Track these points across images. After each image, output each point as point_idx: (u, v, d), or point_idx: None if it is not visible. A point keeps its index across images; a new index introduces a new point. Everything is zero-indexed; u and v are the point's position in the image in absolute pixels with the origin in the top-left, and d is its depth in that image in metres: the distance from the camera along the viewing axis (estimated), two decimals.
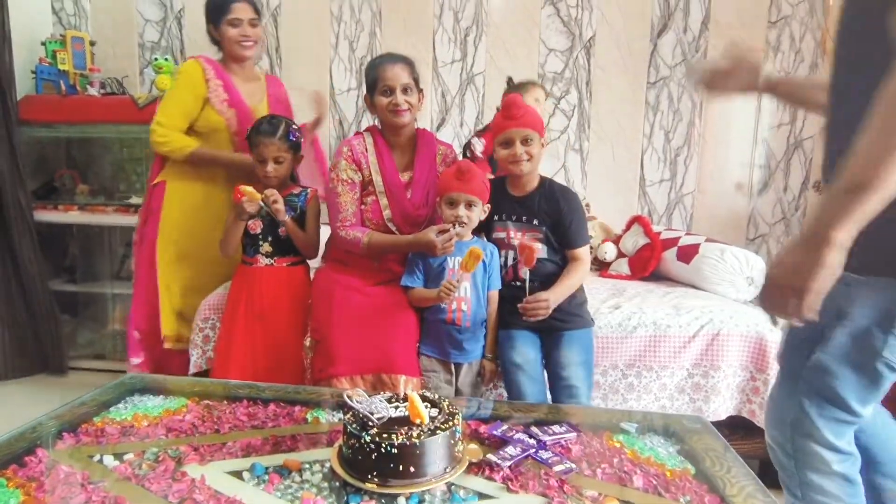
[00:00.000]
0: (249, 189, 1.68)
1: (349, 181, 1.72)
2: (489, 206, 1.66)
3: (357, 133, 1.84)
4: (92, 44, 2.83)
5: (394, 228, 1.73)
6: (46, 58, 2.72)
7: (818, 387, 1.02)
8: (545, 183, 1.70)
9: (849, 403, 1.00)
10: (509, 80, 2.42)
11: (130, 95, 2.67)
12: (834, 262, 0.80)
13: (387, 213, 1.73)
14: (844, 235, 0.79)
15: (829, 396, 1.01)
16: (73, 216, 2.68)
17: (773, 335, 1.73)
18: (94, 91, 2.69)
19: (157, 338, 2.00)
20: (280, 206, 1.73)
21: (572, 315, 1.66)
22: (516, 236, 1.66)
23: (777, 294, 0.86)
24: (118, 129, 2.68)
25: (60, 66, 2.70)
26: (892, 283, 0.92)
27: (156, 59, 2.67)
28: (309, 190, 1.87)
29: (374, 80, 1.70)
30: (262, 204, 1.71)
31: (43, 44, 2.74)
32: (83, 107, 2.64)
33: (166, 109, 1.95)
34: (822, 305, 0.84)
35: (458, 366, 1.63)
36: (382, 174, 1.74)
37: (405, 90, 1.69)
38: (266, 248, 1.80)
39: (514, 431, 1.09)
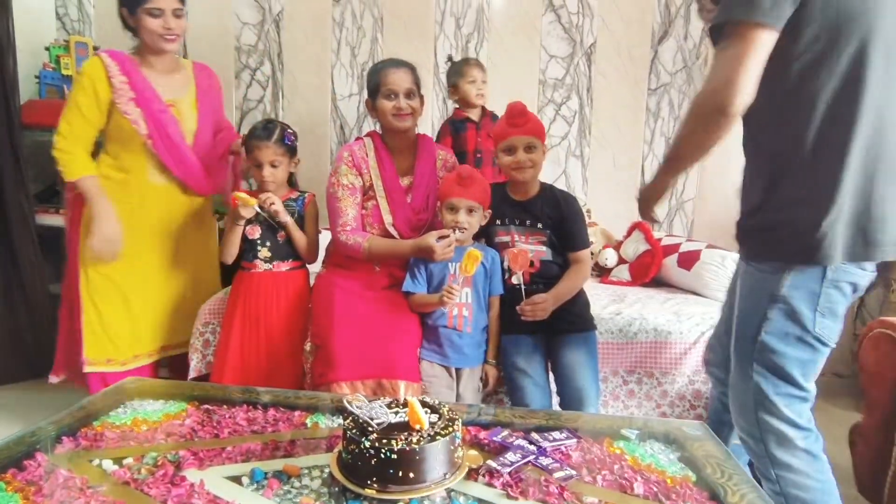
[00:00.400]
0: (243, 195, 1.69)
1: (350, 186, 1.73)
2: (490, 211, 1.66)
3: (358, 138, 1.85)
4: (95, 49, 2.84)
5: (395, 233, 1.73)
6: (50, 63, 2.73)
7: (768, 365, 1.17)
8: (546, 188, 1.71)
9: (795, 378, 1.16)
10: (449, 57, 2.44)
11: None
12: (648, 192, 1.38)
13: (388, 217, 1.73)
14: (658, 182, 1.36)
15: (779, 374, 1.16)
16: None
17: None
18: None
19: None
20: (278, 207, 1.73)
21: (575, 318, 1.66)
22: (520, 240, 1.67)
23: (641, 206, 1.38)
24: None
25: (64, 71, 2.72)
26: (816, 269, 1.11)
27: None
28: (307, 194, 1.88)
29: (378, 84, 1.72)
30: (258, 209, 1.71)
31: (47, 49, 2.75)
32: None
33: (67, 117, 1.72)
34: (759, 290, 1.17)
35: (460, 371, 1.63)
36: (383, 179, 1.75)
37: (408, 94, 1.71)
38: (264, 252, 1.80)
39: (514, 437, 1.08)
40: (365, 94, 2.81)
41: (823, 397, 2.47)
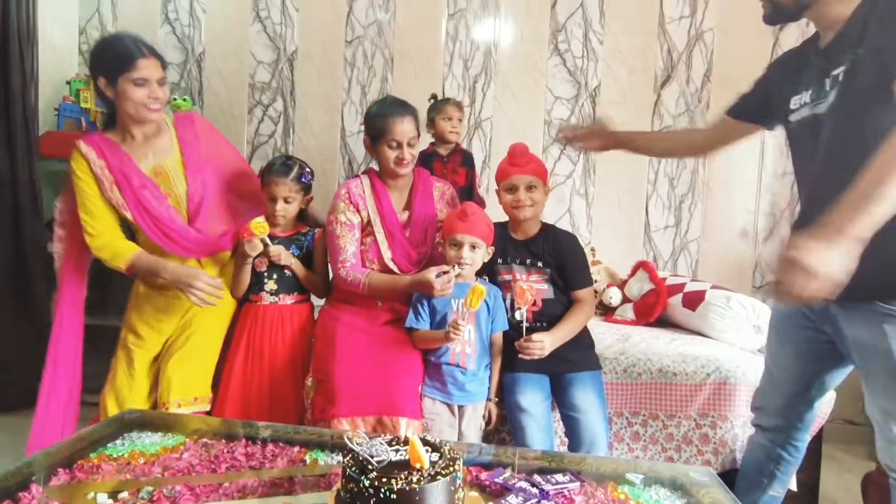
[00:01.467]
0: (257, 221, 1.67)
1: (348, 223, 1.75)
2: (493, 248, 1.68)
3: (355, 176, 1.88)
4: None
5: (394, 268, 1.74)
6: (70, 96, 2.82)
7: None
8: (547, 227, 1.74)
9: None
10: (433, 96, 2.49)
11: None
12: (845, 250, 0.93)
13: (387, 253, 1.75)
14: (857, 230, 0.93)
15: None
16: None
17: None
18: None
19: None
20: (283, 259, 1.77)
21: (579, 357, 1.65)
22: (522, 278, 1.68)
23: (790, 273, 0.95)
24: None
25: (83, 104, 2.80)
26: None
27: (174, 99, 2.76)
28: (317, 230, 1.90)
29: (382, 132, 1.72)
30: (267, 241, 1.73)
31: (68, 83, 2.85)
32: None
33: (83, 216, 1.64)
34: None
35: (462, 408, 1.61)
36: (381, 215, 1.77)
37: (410, 143, 1.73)
38: (271, 285, 1.81)
39: (516, 479, 1.06)
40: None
41: (835, 445, 2.44)
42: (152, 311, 1.75)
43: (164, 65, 1.66)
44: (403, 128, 1.72)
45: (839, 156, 1.11)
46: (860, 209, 0.94)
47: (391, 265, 1.74)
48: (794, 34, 2.69)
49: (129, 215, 1.65)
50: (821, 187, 1.16)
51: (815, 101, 1.18)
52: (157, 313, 1.75)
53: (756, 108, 1.41)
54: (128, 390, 1.69)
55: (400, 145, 1.72)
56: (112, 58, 1.60)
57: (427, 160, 2.38)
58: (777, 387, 1.39)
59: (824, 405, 1.68)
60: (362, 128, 2.93)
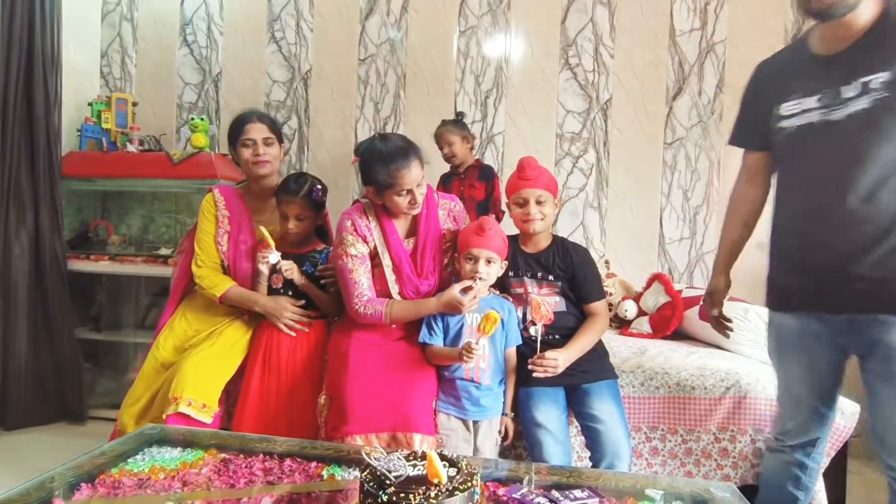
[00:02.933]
0: (263, 230, 1.73)
1: (359, 256, 1.67)
2: (507, 262, 1.68)
3: (357, 204, 1.79)
4: (134, 104, 3.01)
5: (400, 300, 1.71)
6: (92, 117, 2.90)
7: None
8: (558, 240, 1.74)
9: None
10: (459, 114, 2.63)
11: (166, 152, 2.81)
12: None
13: (394, 288, 1.70)
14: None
15: None
16: (104, 266, 2.77)
17: None
18: (132, 148, 2.85)
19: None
20: (293, 275, 1.79)
21: (594, 367, 1.64)
22: (534, 292, 1.67)
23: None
24: (153, 182, 2.82)
25: (104, 125, 2.88)
26: None
27: (192, 119, 2.82)
28: (332, 248, 1.92)
29: (390, 185, 1.60)
30: (275, 259, 1.76)
31: (90, 104, 2.93)
32: (121, 162, 2.79)
33: (198, 245, 1.90)
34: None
35: (477, 424, 1.60)
36: (389, 247, 1.70)
37: (419, 185, 1.64)
38: None
39: (534, 495, 1.05)
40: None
41: (860, 460, 2.37)
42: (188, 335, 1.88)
43: (273, 129, 1.94)
44: (412, 175, 1.59)
45: (865, 163, 1.12)
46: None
47: (397, 298, 1.70)
48: None
49: (225, 262, 1.90)
50: (833, 191, 1.16)
51: (829, 108, 1.17)
52: (190, 338, 1.88)
53: (760, 135, 1.37)
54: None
55: (410, 191, 1.62)
56: (231, 129, 1.94)
57: (445, 179, 2.52)
58: (797, 404, 1.37)
59: (847, 420, 1.65)
60: None
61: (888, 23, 1.14)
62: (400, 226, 1.75)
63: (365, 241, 1.70)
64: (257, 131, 1.90)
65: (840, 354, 1.29)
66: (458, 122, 2.53)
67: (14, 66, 2.52)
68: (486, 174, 2.50)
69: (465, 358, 1.51)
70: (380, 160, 1.60)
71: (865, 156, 1.13)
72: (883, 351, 1.17)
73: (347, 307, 1.71)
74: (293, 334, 1.79)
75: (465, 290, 1.57)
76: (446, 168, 2.56)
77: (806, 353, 1.33)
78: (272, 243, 1.75)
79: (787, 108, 1.24)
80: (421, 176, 1.64)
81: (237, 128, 1.92)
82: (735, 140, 1.45)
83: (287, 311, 1.80)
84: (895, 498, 1.22)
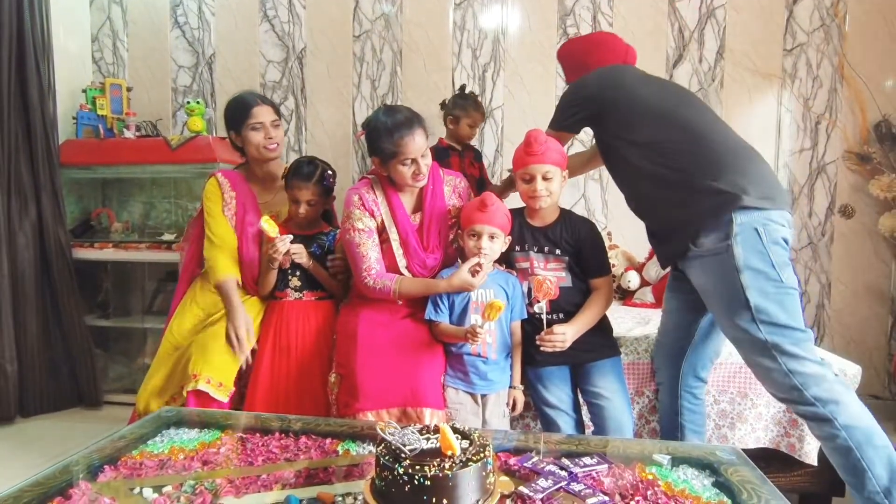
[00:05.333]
0: (265, 224, 1.69)
1: (366, 229, 1.69)
2: (510, 237, 1.68)
3: (364, 179, 1.80)
4: (129, 90, 2.98)
5: (408, 275, 1.72)
6: (87, 104, 2.87)
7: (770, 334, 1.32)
8: (565, 214, 1.73)
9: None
10: (463, 87, 2.59)
11: (163, 137, 2.80)
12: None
13: (402, 262, 1.72)
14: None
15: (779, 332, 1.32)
16: (108, 253, 2.78)
17: None
18: (129, 134, 2.83)
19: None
20: (301, 258, 1.79)
21: (598, 345, 1.65)
22: (540, 266, 1.68)
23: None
24: (152, 168, 2.81)
25: (99, 112, 2.85)
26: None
27: (188, 102, 2.80)
28: (338, 231, 1.93)
29: (394, 153, 1.63)
30: (284, 243, 1.73)
31: (84, 91, 2.90)
32: (119, 149, 2.78)
33: (210, 226, 1.89)
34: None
35: (485, 397, 1.63)
36: (396, 222, 1.72)
37: (424, 155, 1.66)
38: (295, 282, 1.84)
39: (545, 463, 1.08)
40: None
41: None
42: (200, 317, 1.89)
43: (276, 110, 1.93)
44: (416, 144, 1.62)
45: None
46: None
47: (405, 273, 1.72)
48: (808, 9, 2.64)
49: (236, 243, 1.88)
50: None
51: None
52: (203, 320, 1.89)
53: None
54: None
55: (415, 160, 1.64)
56: (233, 113, 1.91)
57: (443, 154, 2.41)
58: (666, 337, 1.65)
59: (850, 381, 1.67)
60: None
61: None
62: (406, 201, 1.76)
63: (372, 215, 1.72)
64: (265, 114, 1.88)
65: (692, 298, 1.54)
66: (478, 101, 2.51)
67: (5, 54, 2.49)
68: (479, 156, 2.60)
69: (470, 340, 1.53)
70: (384, 129, 1.63)
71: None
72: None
73: (356, 281, 1.72)
74: (233, 350, 1.73)
75: (474, 270, 1.58)
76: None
77: (676, 294, 1.64)
78: (276, 234, 1.71)
79: None
80: (425, 146, 1.66)
81: (242, 112, 1.88)
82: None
83: (239, 331, 1.74)
84: None
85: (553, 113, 1.69)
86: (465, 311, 1.64)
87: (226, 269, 1.84)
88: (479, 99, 2.57)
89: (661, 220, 1.54)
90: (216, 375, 1.68)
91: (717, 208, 1.36)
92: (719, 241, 1.35)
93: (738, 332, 1.36)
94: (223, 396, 1.68)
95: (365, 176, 1.82)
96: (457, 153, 2.46)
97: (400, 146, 1.62)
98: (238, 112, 1.89)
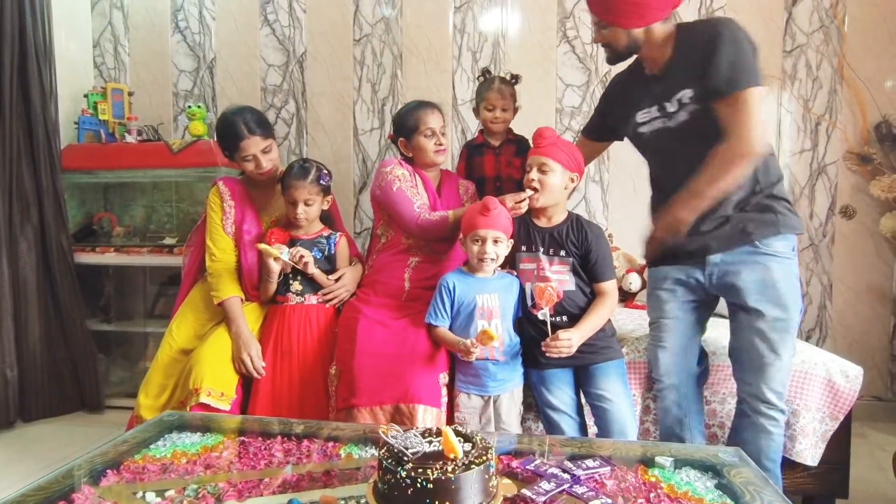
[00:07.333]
0: (263, 247, 1.75)
1: (409, 181, 1.88)
2: (513, 240, 1.68)
3: (398, 160, 1.95)
4: (130, 94, 2.99)
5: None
6: (88, 109, 2.88)
7: None
8: (572, 217, 1.72)
9: None
10: (485, 70, 2.18)
11: (165, 141, 2.80)
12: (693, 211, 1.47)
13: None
14: (694, 209, 1.46)
15: None
16: (110, 257, 2.79)
17: (805, 366, 1.70)
18: (131, 138, 2.84)
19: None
20: (308, 260, 1.80)
21: (602, 348, 1.65)
22: (545, 267, 1.67)
23: (671, 228, 1.49)
24: (153, 173, 2.81)
25: (101, 116, 2.86)
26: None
27: (189, 107, 2.80)
28: (338, 234, 1.93)
29: (416, 125, 1.88)
30: (285, 259, 1.76)
31: (85, 96, 2.91)
32: (121, 153, 2.79)
33: (211, 239, 1.91)
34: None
35: (499, 397, 1.63)
36: (427, 191, 1.92)
37: (442, 132, 1.91)
38: (296, 286, 1.85)
39: (547, 466, 1.08)
40: (387, 130, 2.90)
41: (863, 422, 2.41)
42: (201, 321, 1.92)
43: (266, 134, 1.90)
44: (435, 117, 1.89)
45: (693, 157, 1.45)
46: (698, 196, 1.45)
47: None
48: (807, 10, 2.64)
49: (236, 251, 1.91)
50: (680, 177, 1.49)
51: (665, 117, 1.52)
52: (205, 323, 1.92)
53: (600, 130, 1.83)
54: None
55: (434, 133, 1.88)
56: (225, 140, 1.91)
57: (474, 152, 2.14)
58: (680, 339, 1.63)
59: (852, 383, 1.67)
60: (375, 125, 2.97)
61: (680, 48, 1.48)
62: (430, 179, 1.96)
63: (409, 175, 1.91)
64: (255, 145, 1.86)
65: (699, 296, 1.62)
66: (500, 81, 2.08)
67: (7, 58, 2.50)
68: (524, 148, 2.03)
69: (463, 356, 1.56)
70: (406, 110, 1.93)
71: (693, 152, 1.45)
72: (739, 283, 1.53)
73: (409, 224, 1.82)
74: (241, 371, 1.75)
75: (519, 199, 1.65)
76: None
77: (675, 296, 1.65)
78: (276, 252, 1.74)
79: (640, 116, 1.59)
80: (443, 124, 1.91)
81: (232, 142, 1.87)
82: (585, 132, 1.90)
83: (250, 354, 1.75)
84: None
85: (748, 69, 1.47)
86: (468, 321, 1.63)
87: (228, 289, 1.85)
88: (511, 80, 2.10)
89: (733, 204, 1.50)
90: (217, 386, 1.69)
91: (789, 224, 1.50)
92: (787, 248, 1.50)
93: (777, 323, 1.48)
94: (225, 405, 1.69)
95: (399, 160, 1.96)
96: (491, 150, 2.11)
97: (420, 118, 1.88)
98: (228, 141, 1.88)
